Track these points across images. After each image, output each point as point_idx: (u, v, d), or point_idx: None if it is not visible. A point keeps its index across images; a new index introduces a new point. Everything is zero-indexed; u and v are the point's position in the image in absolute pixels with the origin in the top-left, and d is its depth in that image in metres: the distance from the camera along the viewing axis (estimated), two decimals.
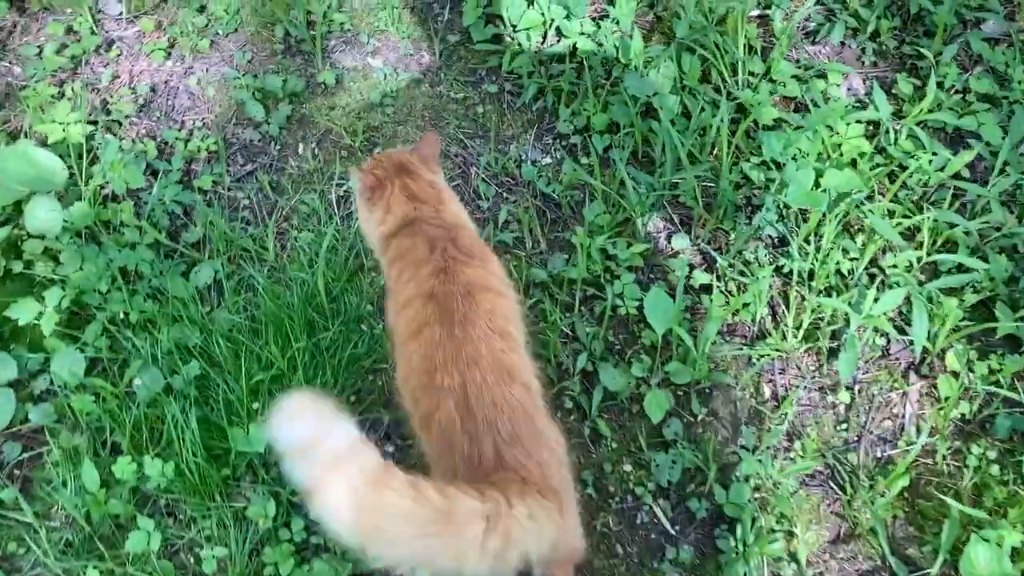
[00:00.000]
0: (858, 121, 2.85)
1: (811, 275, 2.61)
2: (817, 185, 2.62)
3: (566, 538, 1.76)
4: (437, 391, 1.73)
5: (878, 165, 2.82)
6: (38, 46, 3.32)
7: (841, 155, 2.74)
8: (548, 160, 3.03)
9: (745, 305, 2.60)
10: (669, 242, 2.79)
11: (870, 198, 2.72)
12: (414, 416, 1.85)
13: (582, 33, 3.09)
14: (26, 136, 3.06)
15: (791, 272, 2.61)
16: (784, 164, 2.72)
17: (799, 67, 3.10)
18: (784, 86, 2.98)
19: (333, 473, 1.34)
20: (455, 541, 1.43)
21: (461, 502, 1.44)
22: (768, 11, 3.26)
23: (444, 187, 2.20)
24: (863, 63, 3.20)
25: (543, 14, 3.07)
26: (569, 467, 1.86)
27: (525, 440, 1.69)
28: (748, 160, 2.83)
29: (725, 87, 3.03)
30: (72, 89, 3.16)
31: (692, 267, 2.73)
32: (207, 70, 3.28)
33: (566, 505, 1.73)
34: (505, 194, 2.94)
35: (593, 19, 3.27)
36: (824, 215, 2.59)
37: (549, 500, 1.59)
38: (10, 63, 3.31)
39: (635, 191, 2.77)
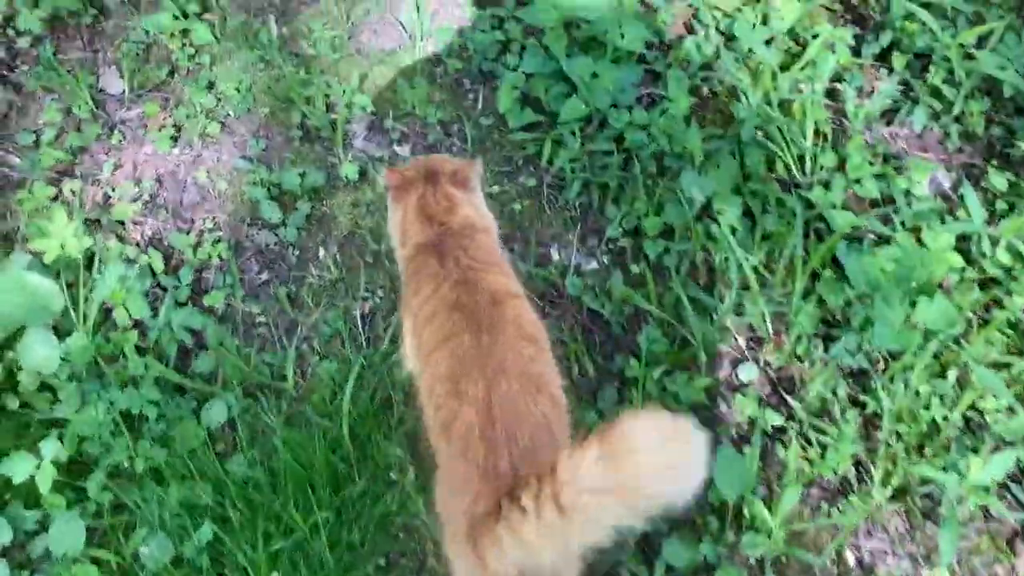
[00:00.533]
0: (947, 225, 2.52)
1: (898, 417, 2.29)
2: (907, 314, 2.30)
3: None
4: (461, 398, 1.69)
5: (972, 280, 2.49)
6: (35, 132, 3.05)
7: (931, 271, 2.41)
8: (594, 265, 2.72)
9: (824, 452, 2.29)
10: (735, 371, 2.48)
11: (966, 333, 2.39)
12: (434, 425, 1.79)
13: (631, 123, 2.76)
14: (23, 240, 2.79)
15: (875, 413, 2.30)
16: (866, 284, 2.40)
17: (874, 154, 2.77)
18: (860, 183, 2.64)
19: None
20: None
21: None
22: (839, 84, 2.92)
23: (458, 198, 2.09)
24: (946, 147, 2.85)
25: (586, 103, 2.74)
26: None
27: (541, 456, 1.61)
28: (822, 273, 2.50)
29: (792, 179, 2.70)
30: (71, 190, 2.89)
31: (761, 400, 2.42)
32: (217, 159, 2.99)
33: None
34: (548, 308, 2.64)
35: (642, 103, 2.93)
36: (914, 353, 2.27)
37: None
38: (7, 150, 3.03)
39: (694, 314, 2.46)
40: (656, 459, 1.31)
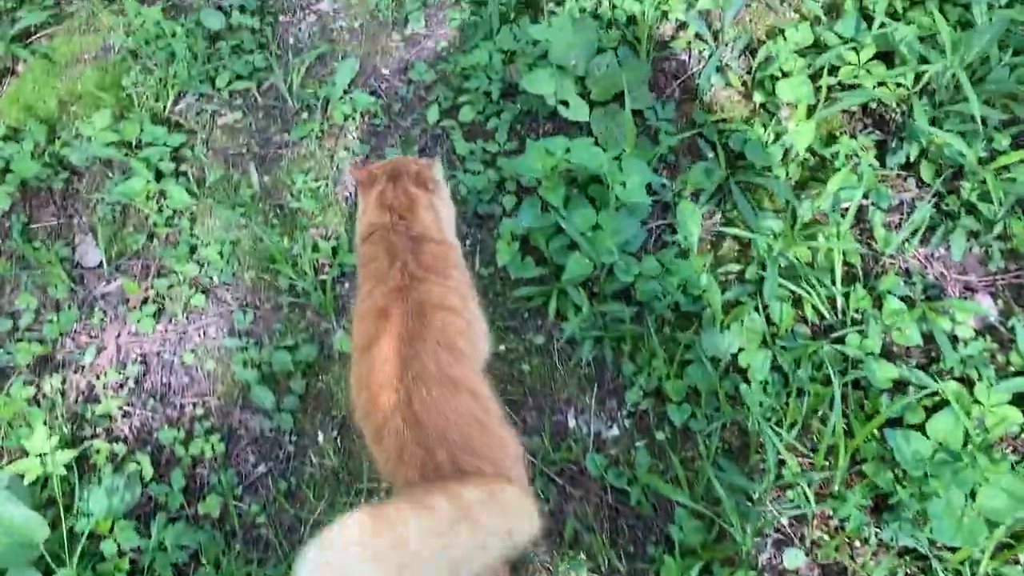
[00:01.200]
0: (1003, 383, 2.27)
1: None
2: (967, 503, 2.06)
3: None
4: (385, 409, 1.76)
5: None
6: (11, 314, 2.87)
7: (987, 437, 2.17)
8: (615, 432, 2.50)
9: None
10: (780, 556, 2.25)
11: None
12: (367, 431, 1.85)
13: (640, 274, 2.54)
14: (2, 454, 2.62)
15: None
16: (920, 460, 2.16)
17: (910, 284, 2.53)
18: (899, 329, 2.40)
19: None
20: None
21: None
22: (866, 201, 2.69)
23: (420, 198, 2.16)
24: (989, 268, 2.61)
25: (590, 258, 2.52)
26: (526, 466, 1.91)
27: (478, 446, 1.73)
28: (866, 447, 2.27)
29: (823, 322, 2.48)
30: (51, 385, 2.71)
31: None
32: (203, 332, 2.80)
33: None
34: (569, 488, 2.42)
35: (651, 239, 2.72)
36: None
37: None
38: None
39: (729, 496, 2.23)
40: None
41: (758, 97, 2.90)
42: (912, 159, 2.72)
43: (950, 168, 2.70)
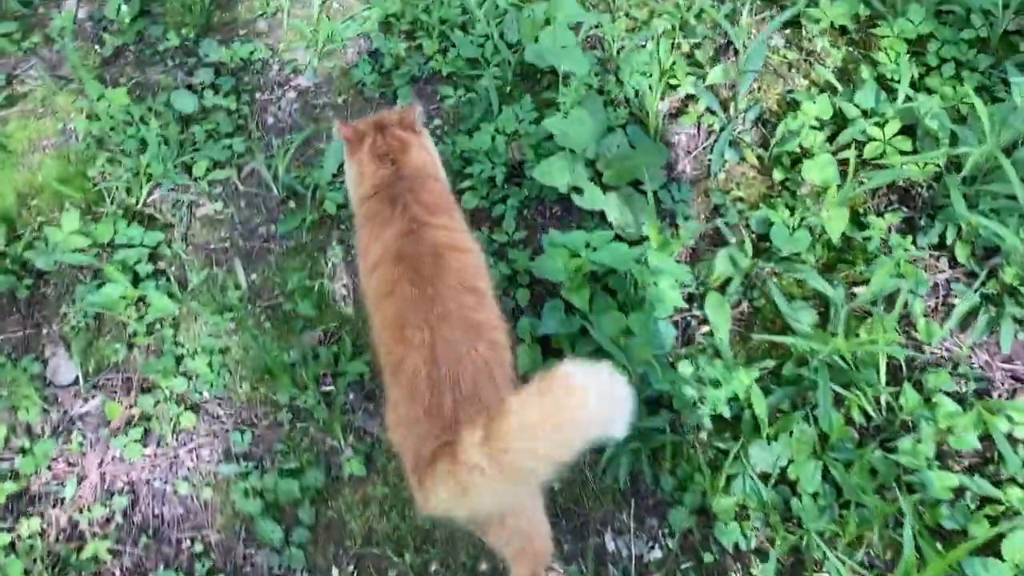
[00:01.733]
0: None
1: None
2: None
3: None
4: (407, 344, 1.79)
5: None
6: None
7: None
8: (658, 554, 2.33)
9: None
10: None
11: None
12: (385, 366, 1.89)
13: (674, 382, 2.37)
14: None
15: None
16: None
17: (957, 376, 2.41)
18: (952, 432, 2.27)
19: None
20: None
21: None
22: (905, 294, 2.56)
23: (410, 139, 2.20)
24: None
25: (624, 367, 2.35)
26: None
27: (483, 398, 1.74)
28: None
29: (871, 424, 2.34)
30: (28, 526, 2.44)
31: None
32: (196, 456, 2.56)
33: None
34: None
35: (679, 330, 2.56)
36: None
37: None
38: None
39: None
40: (590, 409, 1.36)
41: (777, 175, 2.76)
42: (945, 239, 2.59)
43: (985, 247, 2.58)
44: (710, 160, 2.84)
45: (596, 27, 3.10)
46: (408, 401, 1.77)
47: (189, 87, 3.21)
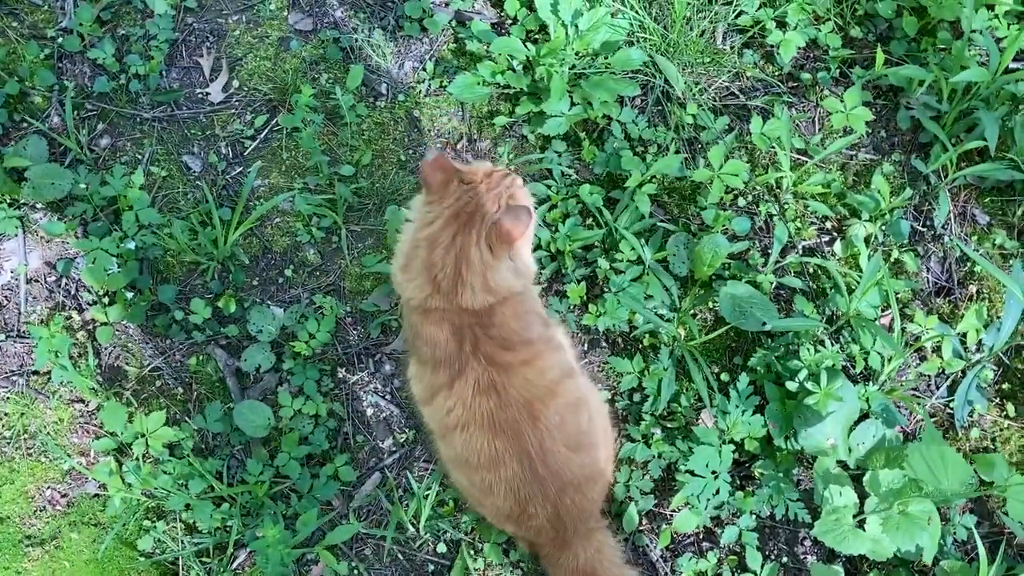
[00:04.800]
0: None
1: None
2: None
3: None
4: (530, 518, 1.72)
5: None
6: None
7: None
8: None
9: None
10: None
11: None
12: (471, 491, 1.84)
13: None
14: None
15: None
16: None
17: None
18: None
19: None
20: None
21: None
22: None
23: (491, 267, 1.65)
24: None
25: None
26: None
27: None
28: None
29: None
30: None
31: None
32: None
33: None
34: None
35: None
36: None
37: None
38: None
39: None
40: None
41: None
42: None
43: None
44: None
45: None
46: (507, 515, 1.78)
47: None
